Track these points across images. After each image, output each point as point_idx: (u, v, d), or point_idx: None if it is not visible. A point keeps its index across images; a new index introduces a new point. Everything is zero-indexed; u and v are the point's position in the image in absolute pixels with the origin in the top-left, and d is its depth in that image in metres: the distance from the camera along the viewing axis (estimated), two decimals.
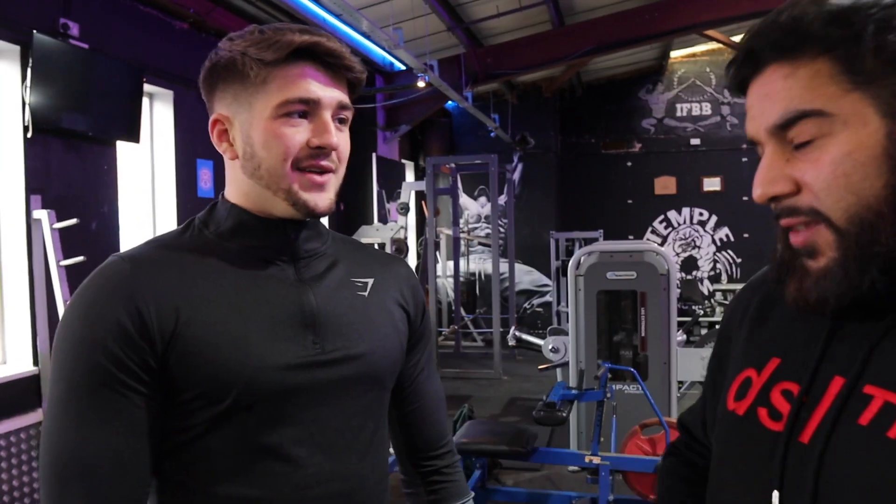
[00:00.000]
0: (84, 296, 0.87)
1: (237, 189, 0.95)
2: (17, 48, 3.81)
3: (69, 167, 4.13)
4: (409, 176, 10.06)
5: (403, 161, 9.64)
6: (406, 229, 7.76)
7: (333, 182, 0.94)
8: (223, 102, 0.93)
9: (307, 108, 0.90)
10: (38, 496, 3.73)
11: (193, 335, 0.86)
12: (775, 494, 0.69)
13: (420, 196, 8.78)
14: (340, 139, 0.92)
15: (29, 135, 3.82)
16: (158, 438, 0.88)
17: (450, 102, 8.44)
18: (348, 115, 0.94)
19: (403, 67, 7.60)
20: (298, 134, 0.89)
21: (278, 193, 0.91)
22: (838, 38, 0.63)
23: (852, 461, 0.64)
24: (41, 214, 3.63)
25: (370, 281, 1.02)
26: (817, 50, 0.64)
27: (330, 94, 0.91)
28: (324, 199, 0.92)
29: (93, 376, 0.83)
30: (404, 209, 7.51)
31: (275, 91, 0.89)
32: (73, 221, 3.66)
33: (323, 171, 0.91)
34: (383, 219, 8.24)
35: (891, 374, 0.64)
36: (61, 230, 3.65)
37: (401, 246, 7.33)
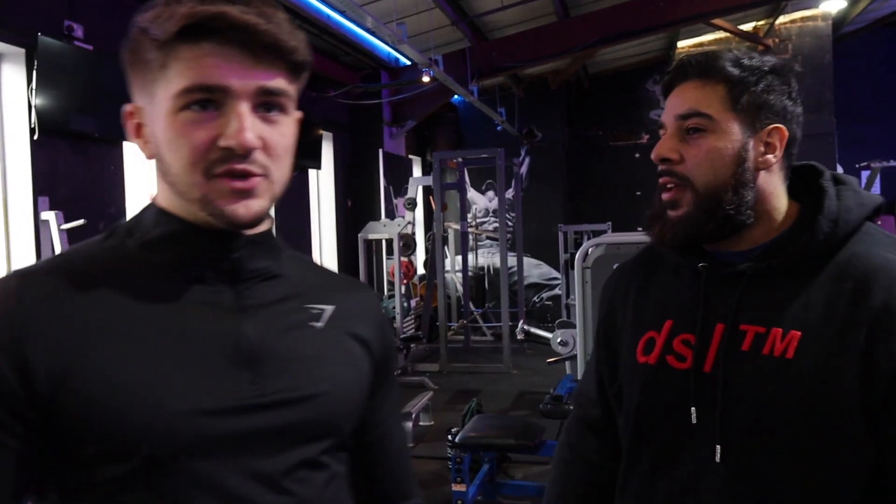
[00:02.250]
0: None
1: (162, 193, 0.79)
2: (22, 51, 3.84)
3: (76, 168, 4.16)
4: (417, 171, 10.06)
5: (410, 156, 9.64)
6: (414, 224, 7.77)
7: (264, 186, 0.74)
8: (135, 89, 0.77)
9: (213, 98, 0.71)
10: None
11: (92, 374, 0.69)
12: (693, 410, 0.98)
13: (427, 191, 8.78)
14: (266, 132, 0.73)
15: (35, 137, 3.85)
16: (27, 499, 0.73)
17: (456, 97, 8.43)
18: (282, 101, 0.75)
19: (408, 63, 7.60)
20: (203, 131, 0.71)
21: (193, 204, 0.74)
22: (735, 77, 0.97)
23: (742, 374, 0.95)
24: (49, 216, 3.66)
25: (328, 309, 0.84)
26: (720, 78, 0.98)
27: (244, 79, 0.71)
28: (248, 207, 0.73)
29: None
30: (411, 204, 7.51)
31: (174, 78, 0.71)
32: (81, 222, 3.69)
33: (242, 174, 0.72)
34: (391, 214, 8.25)
35: (753, 315, 0.96)
36: (69, 231, 3.68)
37: (409, 241, 7.33)
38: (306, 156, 6.93)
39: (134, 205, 4.77)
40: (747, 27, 9.95)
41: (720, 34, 9.94)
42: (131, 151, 4.72)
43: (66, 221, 3.68)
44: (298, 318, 0.82)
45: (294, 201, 6.87)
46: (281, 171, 0.77)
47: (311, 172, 7.35)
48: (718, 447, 0.95)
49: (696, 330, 1.00)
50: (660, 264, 1.11)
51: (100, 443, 0.69)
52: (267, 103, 0.74)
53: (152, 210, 0.79)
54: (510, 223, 8.83)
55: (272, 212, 0.81)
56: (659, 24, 7.15)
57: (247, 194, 0.73)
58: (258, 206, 0.74)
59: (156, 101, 0.73)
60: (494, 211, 10.12)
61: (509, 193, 8.97)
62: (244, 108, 0.72)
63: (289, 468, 0.76)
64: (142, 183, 5.02)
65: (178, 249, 0.77)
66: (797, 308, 0.94)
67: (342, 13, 5.79)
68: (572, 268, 5.52)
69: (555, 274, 9.83)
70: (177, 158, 0.72)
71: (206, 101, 0.71)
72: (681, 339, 1.01)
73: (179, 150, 0.72)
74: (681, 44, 10.17)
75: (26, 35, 3.78)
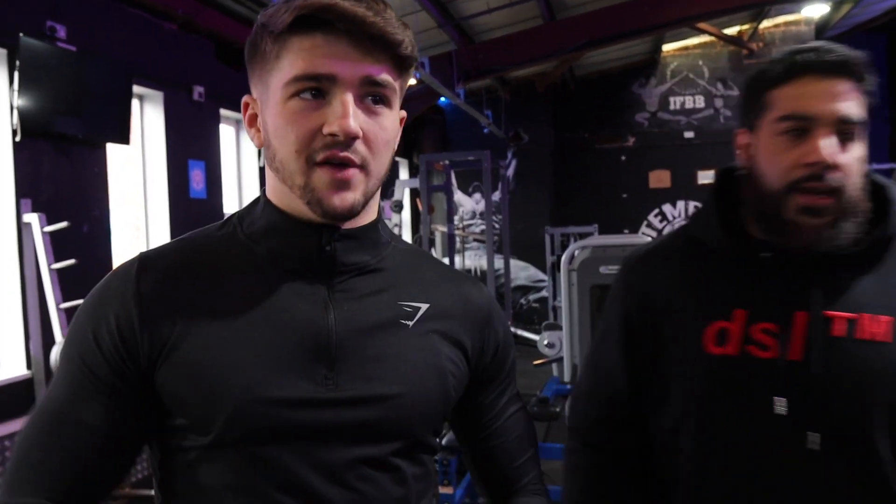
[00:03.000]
0: (93, 291, 0.82)
1: (269, 184, 0.83)
2: (3, 51, 3.80)
3: (59, 170, 4.11)
4: (403, 173, 10.05)
5: (397, 159, 9.63)
6: (401, 227, 7.75)
7: (360, 178, 0.76)
8: (252, 82, 0.83)
9: (321, 87, 0.74)
10: None
11: (185, 354, 0.75)
12: (780, 400, 0.97)
13: (414, 193, 8.77)
14: (368, 124, 0.75)
15: (18, 138, 3.80)
16: (126, 449, 0.79)
17: (442, 99, 8.43)
18: (386, 93, 0.77)
19: None
20: (310, 119, 0.74)
21: (294, 190, 0.77)
22: (870, 87, 0.98)
23: (839, 360, 0.96)
24: (31, 218, 3.62)
25: (423, 307, 0.84)
26: (857, 80, 0.97)
27: (351, 67, 0.74)
28: (343, 198, 0.75)
29: (69, 374, 0.78)
30: (398, 207, 7.50)
31: (286, 67, 0.75)
32: (64, 224, 3.65)
33: (344, 163, 0.75)
34: None
35: (836, 303, 0.97)
36: (52, 233, 3.64)
37: None
38: None
39: (118, 206, 4.73)
40: (731, 31, 10.03)
41: (705, 38, 10.02)
42: (114, 153, 4.68)
43: (50, 224, 3.64)
44: (388, 315, 0.82)
45: None
46: (379, 166, 0.78)
47: None
48: (817, 435, 0.95)
49: (777, 318, 0.99)
50: (704, 252, 1.07)
51: (185, 416, 0.76)
52: (372, 94, 0.76)
53: (261, 201, 0.84)
54: (497, 225, 8.84)
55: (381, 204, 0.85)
56: (644, 28, 7.19)
57: (343, 185, 0.75)
58: (352, 198, 0.76)
59: (270, 90, 0.78)
60: (481, 213, 10.13)
61: (496, 196, 8.98)
62: (348, 96, 0.74)
63: (352, 464, 0.77)
64: (125, 184, 4.98)
65: (278, 241, 0.81)
66: (879, 294, 0.97)
67: None
68: (559, 270, 5.55)
69: (542, 276, 9.85)
70: (284, 145, 0.76)
71: (314, 89, 0.74)
72: (760, 328, 1.00)
73: (287, 136, 0.75)
74: (666, 47, 10.24)
75: (8, 35, 3.74)
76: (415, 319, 0.83)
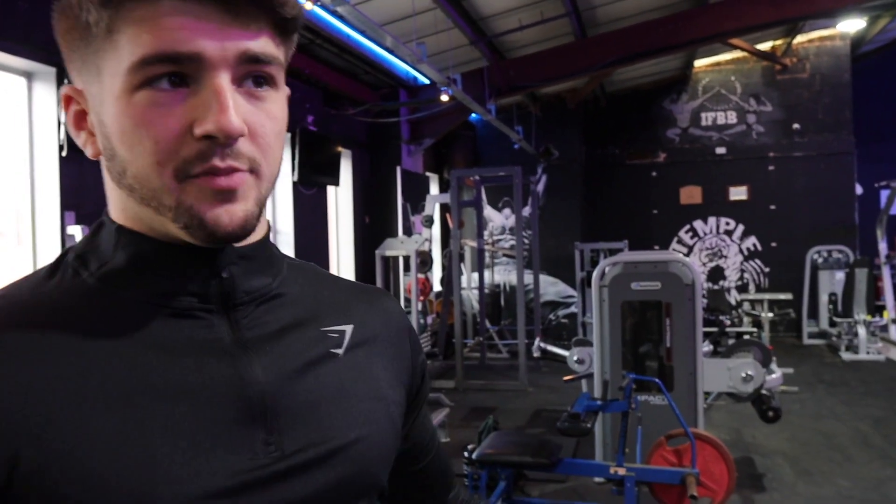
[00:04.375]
0: None
1: (116, 204, 0.61)
2: (52, 70, 3.94)
3: (101, 185, 4.22)
4: (434, 188, 10.12)
5: (428, 174, 9.70)
6: (431, 241, 7.81)
7: (251, 184, 0.56)
8: (74, 68, 0.59)
9: (183, 70, 0.53)
10: None
11: (55, 462, 0.51)
12: None
13: (444, 208, 8.83)
14: (253, 114, 0.56)
15: (64, 153, 3.94)
16: None
17: (473, 115, 8.49)
18: (271, 70, 0.57)
19: (427, 81, 7.68)
20: (172, 117, 0.53)
21: (162, 212, 0.56)
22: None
23: None
24: (75, 230, 3.74)
25: (347, 329, 0.67)
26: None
27: (221, 42, 0.53)
28: (232, 213, 0.55)
29: None
30: (429, 221, 7.56)
31: (126, 46, 0.53)
32: None
33: (227, 171, 0.55)
34: (408, 231, 8.30)
35: None
36: None
37: (425, 258, 7.37)
38: (325, 172, 7.00)
39: None
40: (765, 46, 9.97)
41: (738, 53, 9.97)
42: None
43: None
44: (314, 346, 0.64)
45: (312, 218, 6.94)
46: (271, 164, 0.58)
47: (330, 189, 7.43)
48: None
49: None
50: None
51: None
52: (252, 74, 0.56)
53: (108, 230, 0.61)
54: (527, 241, 8.85)
55: (268, 216, 0.66)
56: (676, 44, 7.19)
57: (230, 196, 0.55)
58: (243, 211, 0.56)
59: (103, 78, 0.55)
60: (511, 228, 10.15)
61: (526, 211, 9.00)
62: (224, 81, 0.54)
63: None
64: None
65: (151, 277, 0.59)
66: None
67: (362, 32, 5.88)
68: (589, 286, 5.54)
69: (571, 292, 9.82)
70: (136, 156, 0.54)
71: (172, 74, 0.53)
72: None
73: (140, 143, 0.54)
74: (698, 63, 10.20)
75: (57, 54, 3.88)
76: (344, 346, 0.66)
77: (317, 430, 0.61)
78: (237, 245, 0.60)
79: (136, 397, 0.54)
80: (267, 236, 0.66)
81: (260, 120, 0.56)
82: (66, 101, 0.60)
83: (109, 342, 0.55)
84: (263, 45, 0.56)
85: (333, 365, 0.64)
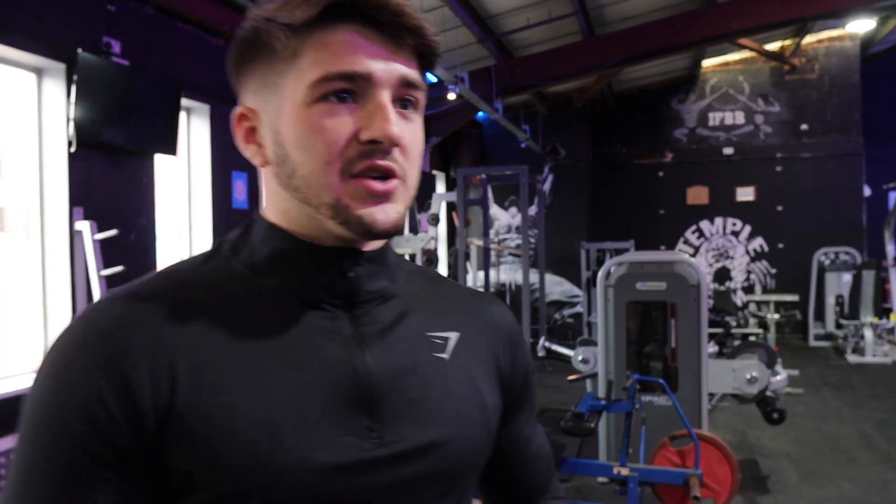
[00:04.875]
0: (60, 350, 0.61)
1: (275, 205, 0.70)
2: (62, 66, 3.96)
3: (110, 180, 4.26)
4: (440, 187, 10.12)
5: (434, 172, 9.71)
6: (436, 240, 7.81)
7: (401, 191, 0.66)
8: (249, 90, 0.68)
9: (354, 88, 0.63)
10: None
11: (199, 416, 0.60)
12: None
13: (451, 207, 8.83)
14: (405, 130, 0.65)
15: (72, 149, 3.96)
16: None
17: (481, 113, 8.49)
18: (418, 96, 0.67)
19: (434, 80, 7.67)
20: (343, 125, 0.63)
21: (322, 210, 0.65)
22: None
23: None
24: (83, 226, 3.76)
25: (453, 337, 0.74)
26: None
27: (386, 66, 0.64)
28: (387, 213, 0.65)
29: (54, 461, 0.58)
30: (435, 220, 7.56)
31: (308, 67, 0.63)
32: (114, 232, 3.79)
33: (384, 174, 0.64)
34: (414, 229, 8.30)
35: None
36: (102, 241, 3.77)
37: (431, 257, 7.38)
38: None
39: (164, 215, 4.87)
40: (773, 47, 9.93)
41: (746, 53, 9.93)
42: (162, 163, 4.83)
43: (99, 231, 3.77)
44: (424, 348, 0.71)
45: None
46: (414, 178, 0.68)
47: None
48: None
49: None
50: None
51: (208, 491, 0.60)
52: (404, 97, 0.66)
53: (260, 225, 0.70)
54: (533, 240, 8.84)
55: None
56: (684, 44, 7.17)
57: (385, 198, 0.65)
58: (395, 212, 0.66)
59: (283, 94, 0.65)
60: (517, 227, 10.14)
61: (532, 210, 8.99)
62: (387, 97, 0.64)
63: None
64: (171, 194, 5.13)
65: (290, 270, 0.68)
66: None
67: None
68: (594, 285, 5.54)
69: (577, 291, 9.81)
70: (309, 158, 0.64)
71: (344, 91, 0.63)
72: None
73: (314, 146, 0.64)
74: (706, 63, 10.17)
75: (66, 51, 3.91)
76: (450, 351, 0.73)
77: (415, 424, 0.67)
78: (364, 249, 0.70)
79: (267, 372, 0.63)
80: (388, 243, 0.74)
81: (408, 136, 0.66)
82: (239, 120, 0.69)
83: (249, 322, 0.65)
84: (415, 73, 0.66)
85: (439, 367, 0.71)
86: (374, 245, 0.71)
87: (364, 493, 0.64)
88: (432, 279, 0.80)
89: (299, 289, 0.68)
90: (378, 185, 0.64)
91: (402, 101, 0.66)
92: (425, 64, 0.68)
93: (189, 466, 0.60)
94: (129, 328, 0.61)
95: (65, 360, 0.61)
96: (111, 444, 0.59)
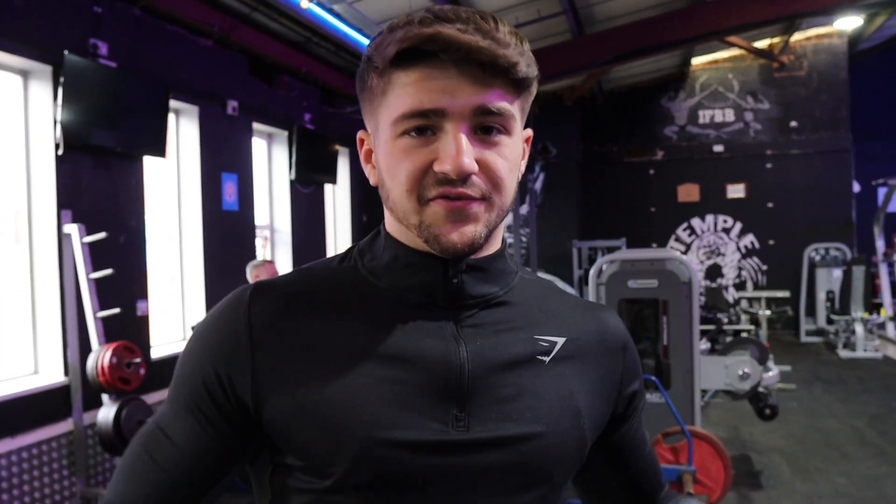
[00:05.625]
0: (207, 318, 0.78)
1: (388, 219, 0.79)
2: (48, 68, 3.93)
3: (98, 182, 4.23)
4: None
5: None
6: None
7: (481, 210, 0.71)
8: (365, 117, 0.78)
9: (429, 123, 0.69)
10: (70, 503, 3.80)
11: (303, 391, 0.71)
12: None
13: None
14: (485, 155, 0.70)
15: (60, 152, 3.93)
16: (211, 482, 0.77)
17: None
18: (505, 120, 0.71)
19: None
20: (420, 156, 0.70)
21: (411, 230, 0.73)
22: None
23: None
24: (71, 229, 3.73)
25: (559, 341, 0.78)
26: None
27: (461, 99, 0.68)
28: (462, 233, 0.70)
29: (182, 395, 0.76)
30: None
31: (392, 104, 0.71)
32: (102, 235, 3.76)
33: (459, 197, 0.70)
34: None
35: None
36: (91, 244, 3.74)
37: None
38: (322, 171, 7.00)
39: (154, 217, 4.84)
40: (762, 44, 9.97)
41: (735, 51, 9.96)
42: (151, 165, 4.80)
43: (88, 234, 3.74)
44: (523, 350, 0.76)
45: (310, 216, 6.94)
46: (503, 196, 0.73)
47: (327, 187, 7.42)
48: None
49: None
50: None
51: (301, 457, 0.71)
52: (486, 125, 0.70)
53: (382, 236, 0.79)
54: (524, 239, 8.85)
55: (502, 232, 0.80)
56: (674, 42, 7.19)
57: (462, 218, 0.70)
58: (473, 232, 0.71)
59: (380, 127, 0.73)
60: (509, 226, 10.15)
61: (523, 209, 9.00)
62: (460, 130, 0.69)
63: None
64: (160, 196, 5.09)
65: (401, 274, 0.76)
66: None
67: (359, 30, 5.87)
68: (587, 284, 5.54)
69: (569, 290, 9.82)
70: (395, 185, 0.72)
71: (422, 127, 0.69)
72: None
73: (397, 176, 0.71)
74: (695, 61, 10.20)
75: (53, 53, 3.88)
76: (551, 355, 0.77)
77: (501, 419, 0.72)
78: (473, 256, 0.75)
79: (371, 360, 0.72)
80: (501, 251, 0.80)
81: (491, 159, 0.70)
82: (361, 142, 0.80)
83: (363, 316, 0.74)
84: (497, 101, 0.70)
85: (536, 369, 0.75)
86: (481, 253, 0.76)
87: (444, 471, 0.70)
88: (545, 285, 0.85)
89: (408, 291, 0.76)
90: (454, 205, 0.69)
91: (484, 129, 0.70)
92: (516, 86, 0.71)
93: (286, 428, 0.71)
94: (256, 310, 0.74)
95: (206, 331, 0.76)
96: (218, 405, 0.73)
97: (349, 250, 0.82)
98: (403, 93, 0.69)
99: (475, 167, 0.69)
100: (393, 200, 0.73)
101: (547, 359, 0.76)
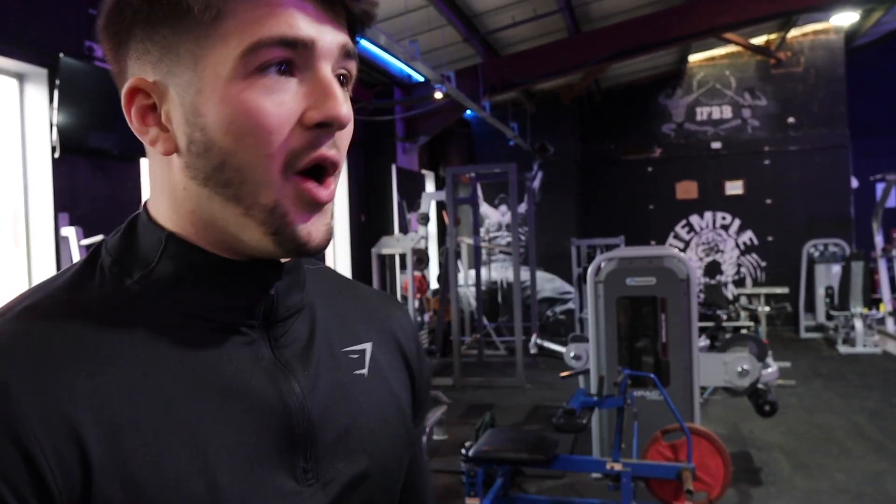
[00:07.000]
0: None
1: (175, 205, 0.56)
2: (44, 71, 3.93)
3: (95, 185, 4.23)
4: (430, 186, 10.11)
5: (423, 171, 9.70)
6: (427, 239, 7.81)
7: (334, 194, 0.57)
8: (145, 60, 0.54)
9: (293, 57, 0.52)
10: None
11: (124, 493, 0.49)
12: None
13: (440, 206, 8.82)
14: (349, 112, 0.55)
15: (56, 155, 3.93)
16: None
17: (468, 112, 8.49)
18: (353, 69, 0.56)
19: (421, 79, 7.67)
20: (286, 106, 0.52)
21: (253, 211, 0.53)
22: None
23: None
24: (69, 231, 3.73)
25: (367, 347, 0.66)
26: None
27: (328, 33, 0.53)
28: (321, 226, 0.55)
29: None
30: (424, 219, 7.55)
31: (236, 32, 0.51)
32: (100, 238, 3.75)
33: (324, 171, 0.54)
34: (404, 229, 8.30)
35: None
36: (89, 246, 3.74)
37: (422, 256, 7.37)
38: None
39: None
40: (759, 41, 9.97)
41: (732, 48, 9.97)
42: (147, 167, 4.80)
43: (86, 237, 3.75)
44: (342, 366, 0.63)
45: None
46: (341, 169, 0.58)
47: None
48: None
49: None
50: None
51: None
52: (343, 71, 0.55)
53: (149, 235, 0.57)
54: (523, 237, 8.85)
55: None
56: (670, 39, 7.19)
57: (321, 207, 0.55)
58: (326, 225, 0.56)
59: (203, 66, 0.52)
60: (507, 225, 10.15)
61: (522, 208, 9.00)
62: (328, 70, 0.53)
63: None
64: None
65: (199, 290, 0.56)
66: None
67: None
68: (585, 282, 5.54)
69: (568, 288, 9.82)
70: (244, 147, 0.52)
71: (284, 62, 0.52)
72: None
73: (250, 133, 0.51)
74: (692, 58, 10.20)
75: (48, 56, 3.87)
76: (367, 366, 0.65)
77: (347, 457, 0.60)
78: (283, 260, 0.58)
79: (188, 418, 0.52)
80: None
81: (349, 119, 0.55)
82: (131, 95, 0.55)
83: (157, 356, 0.53)
84: (351, 43, 0.55)
85: (361, 386, 0.64)
86: None
87: None
88: (331, 278, 0.70)
89: (211, 311, 0.56)
90: (321, 193, 0.54)
91: (339, 77, 0.55)
92: (358, 32, 0.57)
93: None
94: (16, 386, 0.47)
95: None
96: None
97: (91, 261, 0.57)
98: (257, 16, 0.51)
99: (351, 115, 0.54)
100: (237, 169, 0.52)
101: (365, 371, 0.65)
